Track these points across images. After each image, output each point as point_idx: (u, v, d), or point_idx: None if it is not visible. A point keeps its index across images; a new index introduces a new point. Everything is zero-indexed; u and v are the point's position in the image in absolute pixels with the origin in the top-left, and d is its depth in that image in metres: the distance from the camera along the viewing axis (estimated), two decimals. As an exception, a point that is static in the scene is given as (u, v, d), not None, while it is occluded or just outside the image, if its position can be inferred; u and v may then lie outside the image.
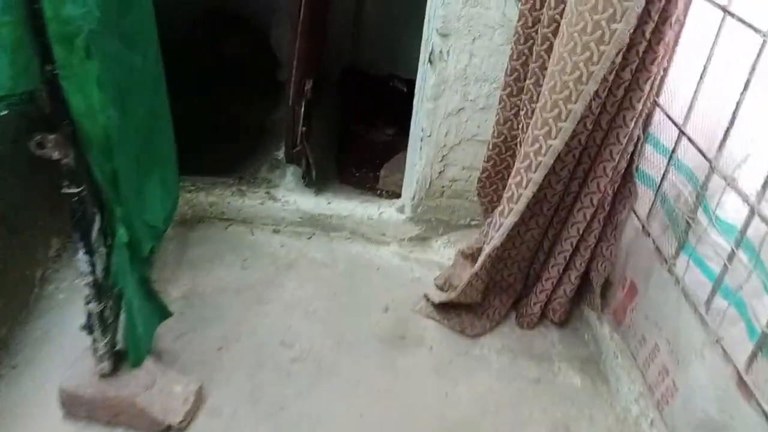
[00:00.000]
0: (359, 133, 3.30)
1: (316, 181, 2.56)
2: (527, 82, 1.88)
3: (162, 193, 2.09)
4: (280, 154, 2.78)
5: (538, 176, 1.74)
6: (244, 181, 2.58)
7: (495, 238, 1.87)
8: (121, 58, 1.68)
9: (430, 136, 2.30)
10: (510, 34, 2.06)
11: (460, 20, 2.08)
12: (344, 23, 3.44)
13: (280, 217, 2.50)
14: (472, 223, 2.50)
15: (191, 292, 2.12)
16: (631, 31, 1.54)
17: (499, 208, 1.87)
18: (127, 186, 1.66)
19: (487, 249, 1.91)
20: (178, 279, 2.17)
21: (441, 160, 2.35)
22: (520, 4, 1.86)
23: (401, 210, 2.53)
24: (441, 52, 2.15)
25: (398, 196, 2.72)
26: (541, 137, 1.71)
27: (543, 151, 1.71)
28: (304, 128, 2.40)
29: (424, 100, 2.27)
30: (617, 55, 1.57)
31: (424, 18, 2.25)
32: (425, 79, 2.25)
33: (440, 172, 2.37)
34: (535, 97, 1.86)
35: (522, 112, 1.94)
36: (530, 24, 1.85)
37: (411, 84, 2.54)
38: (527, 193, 1.77)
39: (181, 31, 3.32)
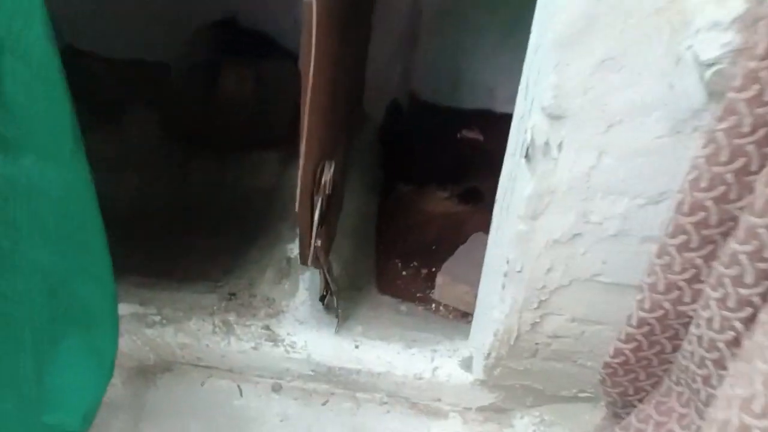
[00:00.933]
0: (410, 197, 2.41)
1: (339, 303, 1.71)
2: (733, 245, 0.95)
3: (86, 365, 1.33)
4: (294, 248, 1.95)
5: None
6: (235, 302, 1.75)
7: None
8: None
9: (520, 271, 1.39)
10: (678, 120, 1.13)
11: (587, 94, 1.15)
12: (393, 43, 2.52)
13: (282, 368, 1.67)
14: (580, 395, 1.59)
15: None
16: None
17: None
18: None
19: None
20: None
21: (537, 307, 1.44)
22: (729, 91, 0.92)
23: (467, 366, 1.64)
24: (547, 143, 1.23)
25: (463, 315, 1.86)
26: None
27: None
28: (318, 242, 1.54)
29: (511, 215, 1.36)
30: None
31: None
32: (515, 185, 1.34)
33: (534, 324, 1.47)
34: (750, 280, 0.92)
35: (710, 291, 1.00)
36: (749, 128, 0.91)
37: (489, 122, 1.68)
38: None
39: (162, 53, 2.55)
